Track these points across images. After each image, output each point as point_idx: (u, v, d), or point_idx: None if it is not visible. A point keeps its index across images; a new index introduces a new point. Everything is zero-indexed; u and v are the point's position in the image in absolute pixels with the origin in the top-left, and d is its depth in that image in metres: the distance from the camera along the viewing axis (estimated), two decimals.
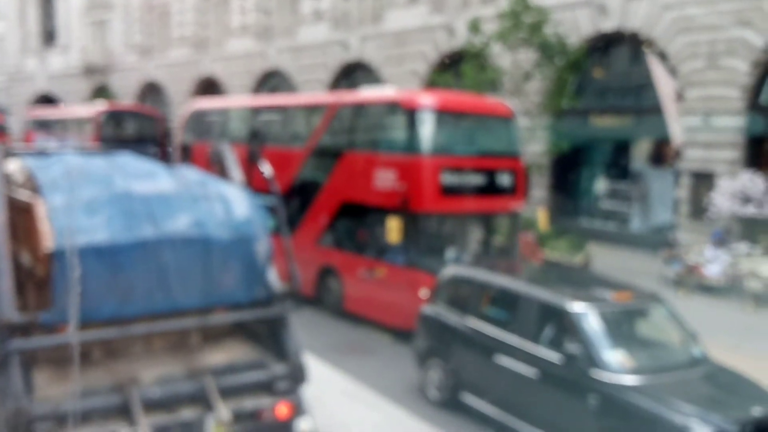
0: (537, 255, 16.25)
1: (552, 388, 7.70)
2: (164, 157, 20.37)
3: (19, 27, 51.06)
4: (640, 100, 20.57)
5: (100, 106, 27.85)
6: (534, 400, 7.90)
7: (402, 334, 11.82)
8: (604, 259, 17.96)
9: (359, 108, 14.32)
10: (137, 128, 27.33)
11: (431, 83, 23.50)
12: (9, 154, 6.75)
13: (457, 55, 23.31)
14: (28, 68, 50.13)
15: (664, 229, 19.71)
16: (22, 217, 5.75)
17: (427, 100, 12.81)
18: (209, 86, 36.22)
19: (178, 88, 37.40)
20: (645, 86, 19.72)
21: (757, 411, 6.87)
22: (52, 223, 5.26)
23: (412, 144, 12.29)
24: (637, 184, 21.90)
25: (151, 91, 40.09)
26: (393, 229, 11.75)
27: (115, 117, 27.32)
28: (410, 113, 12.45)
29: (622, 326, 8.20)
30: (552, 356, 7.70)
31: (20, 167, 6.30)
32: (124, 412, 5.28)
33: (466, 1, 25.04)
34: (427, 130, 12.26)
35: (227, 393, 5.67)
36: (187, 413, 5.53)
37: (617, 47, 21.33)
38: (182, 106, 28.02)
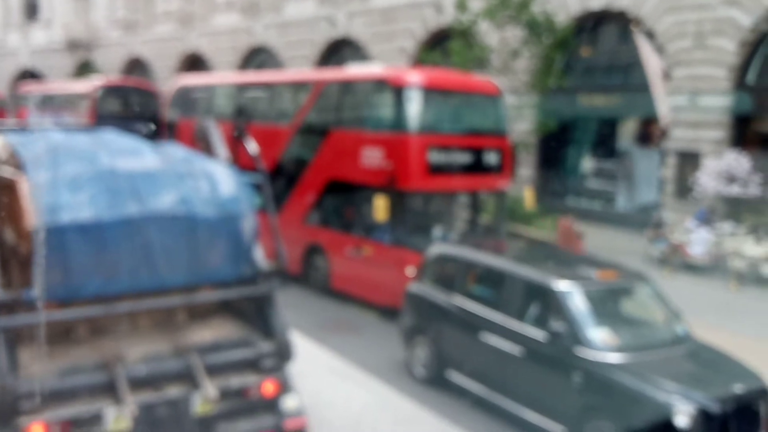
0: (576, 244, 14.92)
1: (537, 365, 7.77)
2: (164, 134, 19.66)
3: (1, 1, 50.26)
4: (628, 79, 20.59)
5: (97, 81, 26.98)
6: (519, 378, 7.97)
7: (388, 312, 11.85)
8: (589, 237, 18.03)
9: (346, 85, 14.23)
10: (136, 104, 26.08)
11: (419, 61, 23.39)
12: None
13: (445, 32, 23.19)
14: (9, 43, 49.40)
15: (650, 209, 19.82)
16: (5, 194, 5.69)
17: (414, 77, 12.75)
18: (195, 62, 35.88)
19: (164, 64, 37.02)
20: (632, 65, 19.73)
21: (738, 388, 6.98)
22: (36, 200, 5.21)
23: (399, 122, 12.24)
24: (624, 163, 21.99)
25: (136, 67, 39.67)
26: (380, 207, 11.74)
27: (113, 93, 26.08)
28: (397, 91, 12.40)
29: (607, 304, 8.27)
30: (537, 334, 7.75)
31: (3, 144, 6.22)
32: (110, 389, 5.27)
33: None
34: (414, 107, 12.21)
35: (213, 370, 5.67)
36: (173, 391, 5.53)
37: (605, 26, 21.31)
38: (168, 83, 27.71)
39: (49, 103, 28.47)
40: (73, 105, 26.15)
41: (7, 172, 5.76)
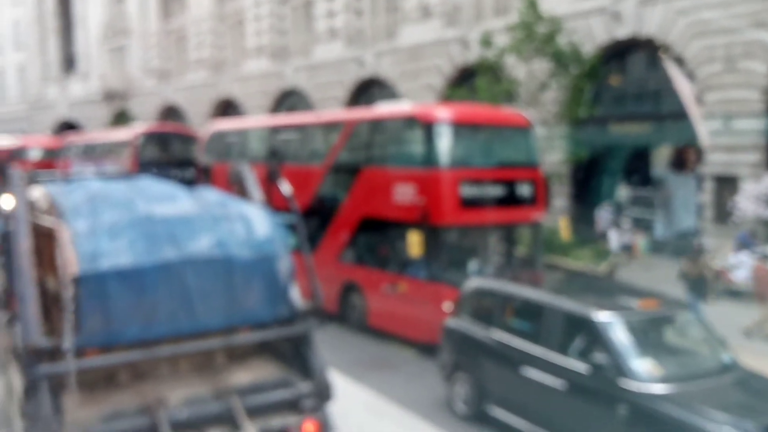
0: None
1: (580, 399, 7.62)
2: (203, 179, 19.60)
3: (40, 56, 51.98)
4: (659, 106, 20.45)
5: (138, 129, 27.26)
6: (562, 412, 7.82)
7: (426, 349, 11.77)
8: (628, 267, 17.81)
9: (376, 124, 14.36)
10: (176, 150, 26.05)
11: (447, 97, 23.53)
12: (32, 181, 6.84)
13: (472, 67, 23.33)
14: (49, 96, 50.98)
15: (689, 235, 19.51)
16: (46, 242, 5.82)
17: (444, 113, 12.82)
18: (227, 107, 36.56)
19: (197, 110, 37.77)
20: (663, 92, 19.62)
21: None
22: (76, 247, 5.31)
23: (430, 157, 12.28)
24: (660, 191, 21.73)
25: (171, 114, 40.53)
26: (414, 243, 11.73)
27: (154, 139, 26.13)
28: (427, 127, 12.46)
29: (650, 334, 8.11)
30: (579, 367, 7.62)
31: (44, 194, 6.38)
32: None
33: (480, 13, 25.12)
34: (444, 143, 12.26)
35: (254, 412, 5.67)
36: None
37: (633, 54, 21.25)
38: (201, 128, 28.19)
39: (91, 152, 28.86)
40: (115, 153, 26.37)
41: (48, 221, 5.90)
